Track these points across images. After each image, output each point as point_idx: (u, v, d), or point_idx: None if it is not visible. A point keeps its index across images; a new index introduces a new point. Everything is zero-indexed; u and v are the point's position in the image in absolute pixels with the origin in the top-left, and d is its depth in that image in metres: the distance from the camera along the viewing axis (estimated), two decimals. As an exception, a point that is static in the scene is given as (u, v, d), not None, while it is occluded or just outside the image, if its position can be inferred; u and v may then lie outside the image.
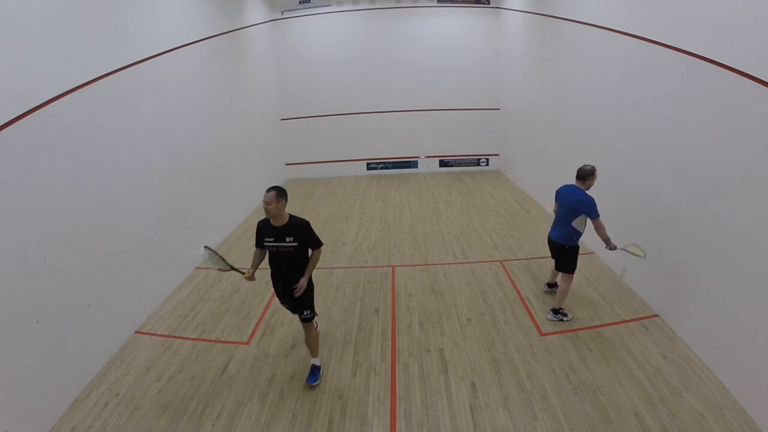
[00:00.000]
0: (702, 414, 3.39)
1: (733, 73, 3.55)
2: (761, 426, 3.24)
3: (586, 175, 4.47)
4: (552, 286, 5.28)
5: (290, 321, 5.04)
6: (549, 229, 4.89)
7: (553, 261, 4.96)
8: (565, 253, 4.64)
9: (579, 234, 4.58)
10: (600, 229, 4.43)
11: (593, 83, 6.32)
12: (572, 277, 4.72)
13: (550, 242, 4.82)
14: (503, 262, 6.29)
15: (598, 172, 4.51)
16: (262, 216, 3.72)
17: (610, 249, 4.50)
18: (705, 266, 3.99)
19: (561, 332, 4.56)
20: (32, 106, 3.61)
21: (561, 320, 4.74)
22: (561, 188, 4.71)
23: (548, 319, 4.78)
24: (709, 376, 3.80)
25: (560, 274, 4.76)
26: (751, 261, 3.40)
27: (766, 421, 3.23)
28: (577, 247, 4.63)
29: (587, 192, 4.47)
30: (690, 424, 3.31)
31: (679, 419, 3.36)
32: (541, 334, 4.55)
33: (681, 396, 3.59)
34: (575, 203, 4.44)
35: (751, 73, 3.37)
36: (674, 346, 4.22)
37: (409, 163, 12.46)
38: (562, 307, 4.77)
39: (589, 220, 4.46)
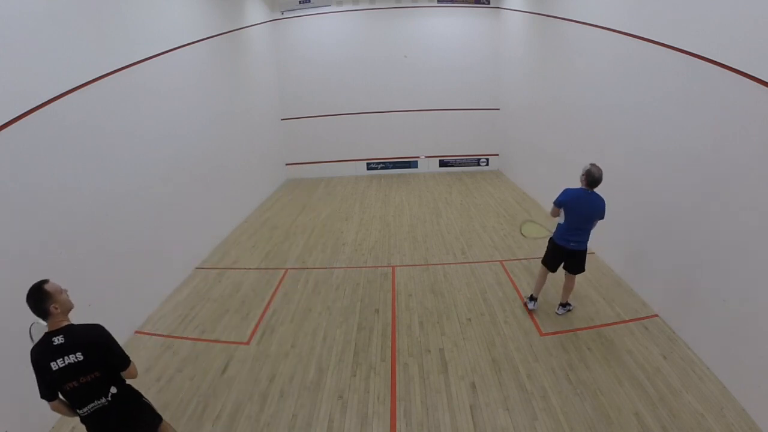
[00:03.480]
0: (702, 414, 3.39)
1: (733, 73, 3.55)
2: (761, 426, 3.24)
3: (600, 181, 4.26)
4: (535, 299, 4.94)
5: (290, 320, 5.04)
6: (549, 228, 4.86)
7: (553, 274, 4.81)
8: (583, 257, 4.57)
9: None
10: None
11: (593, 83, 6.32)
12: None
13: (572, 252, 4.50)
14: (503, 262, 6.29)
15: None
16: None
17: None
18: (705, 266, 3.99)
19: (561, 332, 4.56)
20: (32, 106, 3.61)
21: (569, 310, 4.87)
22: (578, 196, 4.32)
23: (558, 314, 4.83)
24: (709, 376, 3.79)
25: (570, 275, 4.68)
26: (751, 261, 3.40)
27: (766, 421, 3.23)
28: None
29: None
30: (690, 424, 3.31)
31: (679, 419, 3.36)
32: (541, 334, 4.55)
33: (681, 396, 3.59)
34: (599, 212, 4.32)
35: (751, 73, 3.37)
36: (674, 346, 4.22)
37: (409, 163, 12.46)
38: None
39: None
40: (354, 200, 9.95)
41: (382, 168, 12.47)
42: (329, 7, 11.34)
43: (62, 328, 2.41)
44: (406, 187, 10.88)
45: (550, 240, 4.71)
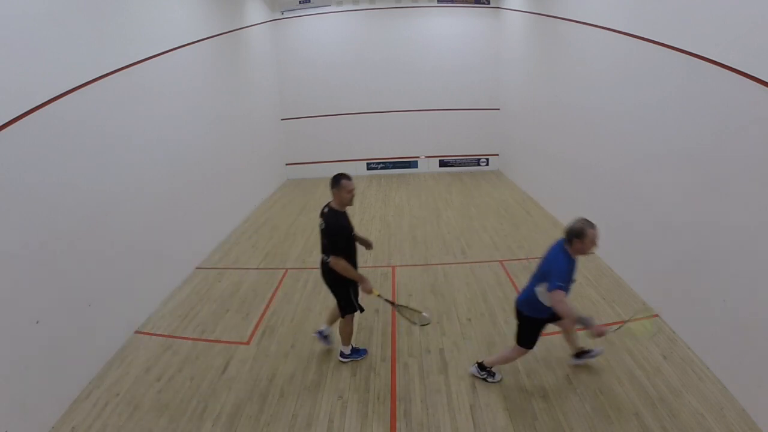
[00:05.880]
0: (702, 414, 3.39)
1: (733, 73, 3.55)
2: (761, 426, 3.24)
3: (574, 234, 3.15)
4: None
5: (290, 320, 5.04)
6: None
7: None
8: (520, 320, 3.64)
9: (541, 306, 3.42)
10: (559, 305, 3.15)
11: (593, 83, 6.32)
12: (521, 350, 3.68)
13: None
14: (503, 262, 6.28)
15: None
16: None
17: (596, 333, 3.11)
18: (705, 266, 3.98)
19: (561, 332, 4.55)
20: (32, 106, 3.61)
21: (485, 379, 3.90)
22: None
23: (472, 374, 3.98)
24: (709, 376, 3.79)
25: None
26: (751, 261, 3.40)
27: (766, 421, 3.23)
28: (537, 319, 3.53)
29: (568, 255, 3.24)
30: (690, 424, 3.31)
31: (679, 419, 3.36)
32: (541, 334, 4.53)
33: (681, 396, 3.59)
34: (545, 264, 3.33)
35: (751, 73, 3.37)
36: (674, 346, 4.22)
37: (409, 163, 12.46)
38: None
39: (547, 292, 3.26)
40: (354, 200, 9.93)
41: (382, 168, 12.47)
42: (329, 7, 11.34)
43: (341, 211, 4.19)
44: (406, 188, 10.88)
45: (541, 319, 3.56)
